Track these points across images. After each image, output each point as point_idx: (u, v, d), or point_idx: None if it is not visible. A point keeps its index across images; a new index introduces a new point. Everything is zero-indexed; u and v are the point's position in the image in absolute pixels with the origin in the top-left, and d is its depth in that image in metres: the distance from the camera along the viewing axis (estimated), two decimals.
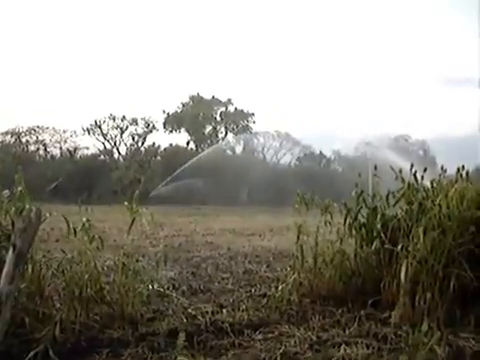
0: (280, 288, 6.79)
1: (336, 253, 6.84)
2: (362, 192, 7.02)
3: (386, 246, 6.47)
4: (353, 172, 7.78)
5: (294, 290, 6.75)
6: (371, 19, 70.58)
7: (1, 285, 4.61)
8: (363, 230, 6.93)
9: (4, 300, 4.58)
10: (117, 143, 52.78)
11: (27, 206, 5.33)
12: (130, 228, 6.24)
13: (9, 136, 49.47)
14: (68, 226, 5.86)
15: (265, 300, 6.70)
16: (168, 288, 7.32)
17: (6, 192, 5.60)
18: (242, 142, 54.81)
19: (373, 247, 6.65)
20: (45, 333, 5.11)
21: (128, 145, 53.05)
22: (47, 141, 50.51)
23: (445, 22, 66.92)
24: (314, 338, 5.37)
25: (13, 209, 5.49)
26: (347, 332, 5.54)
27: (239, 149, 54.94)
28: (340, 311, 6.21)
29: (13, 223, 5.25)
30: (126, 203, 6.20)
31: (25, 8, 64.73)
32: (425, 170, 6.84)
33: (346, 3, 69.80)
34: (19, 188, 5.55)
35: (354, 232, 6.96)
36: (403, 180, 6.78)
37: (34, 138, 50.33)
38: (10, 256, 4.70)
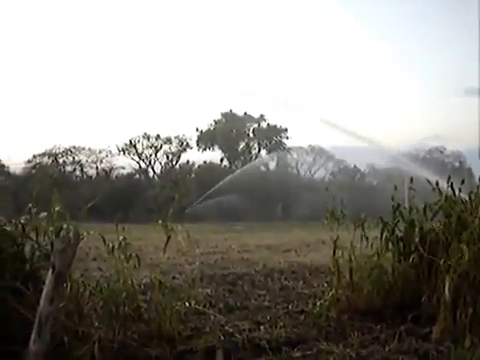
0: (318, 304, 6.72)
1: (373, 268, 6.75)
2: (399, 205, 6.93)
3: (425, 260, 6.37)
4: (388, 185, 7.69)
5: (332, 306, 6.67)
6: (391, 36, 70.48)
7: (41, 306, 4.66)
8: (400, 244, 6.83)
9: (44, 321, 4.62)
10: (152, 162, 53.48)
11: (65, 226, 5.40)
12: (166, 246, 6.25)
13: (47, 157, 50.48)
14: (105, 245, 5.92)
15: (303, 317, 6.63)
16: (205, 306, 7.30)
17: (44, 214, 5.68)
18: (276, 158, 54.79)
19: (411, 261, 6.55)
20: (84, 352, 5.14)
21: (162, 164, 53.64)
22: (83, 161, 51.43)
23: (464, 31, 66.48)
24: (353, 355, 5.28)
25: (51, 229, 5.56)
26: (387, 348, 5.43)
27: (272, 165, 54.98)
28: (379, 327, 6.09)
29: (52, 243, 5.32)
30: (160, 221, 6.22)
31: (59, 30, 66.22)
32: (462, 182, 6.72)
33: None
34: (57, 208, 5.62)
35: (391, 246, 6.86)
36: (440, 192, 6.68)
37: (71, 159, 51.31)
38: (49, 277, 4.75)
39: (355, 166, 51.84)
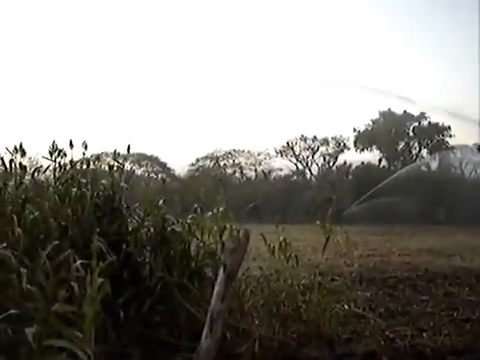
0: None
1: None
2: None
3: None
4: None
5: None
6: None
7: (213, 303, 4.82)
8: None
9: (215, 318, 4.77)
10: (309, 163, 53.66)
11: (228, 225, 5.61)
12: (324, 247, 6.26)
13: (208, 160, 52.82)
14: (266, 244, 6.04)
15: (469, 325, 6.30)
16: (364, 309, 7.20)
17: (208, 214, 5.94)
18: (438, 158, 52.44)
19: None
20: (245, 349, 5.28)
21: (319, 165, 53.67)
22: (243, 164, 52.98)
23: None
24: None
25: (215, 228, 5.79)
26: None
27: (434, 165, 52.65)
28: None
29: (223, 243, 5.53)
30: (318, 222, 6.24)
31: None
32: None
33: None
34: (220, 208, 5.85)
35: None
36: None
37: (231, 161, 53.15)
38: (221, 275, 4.91)
39: None
